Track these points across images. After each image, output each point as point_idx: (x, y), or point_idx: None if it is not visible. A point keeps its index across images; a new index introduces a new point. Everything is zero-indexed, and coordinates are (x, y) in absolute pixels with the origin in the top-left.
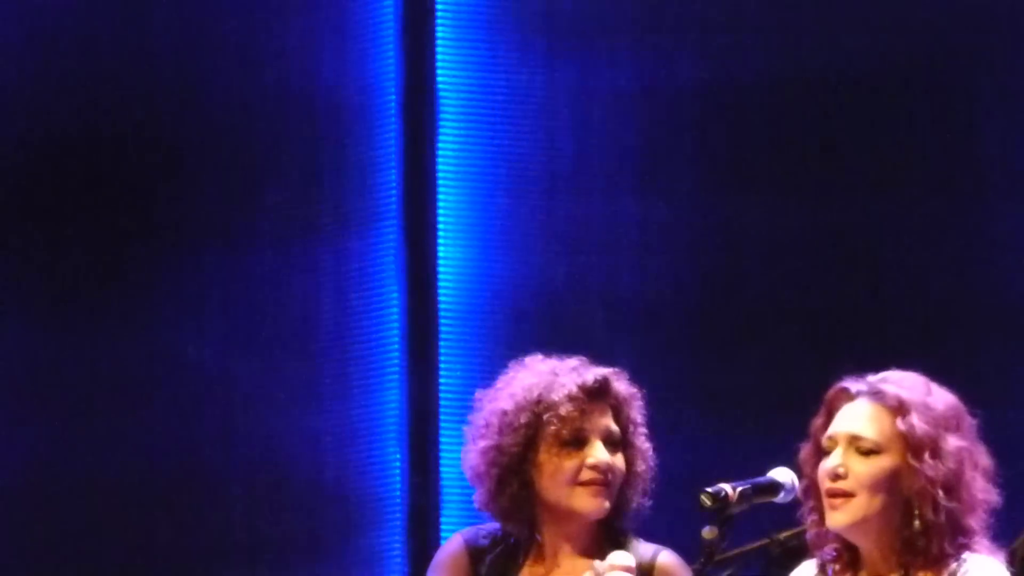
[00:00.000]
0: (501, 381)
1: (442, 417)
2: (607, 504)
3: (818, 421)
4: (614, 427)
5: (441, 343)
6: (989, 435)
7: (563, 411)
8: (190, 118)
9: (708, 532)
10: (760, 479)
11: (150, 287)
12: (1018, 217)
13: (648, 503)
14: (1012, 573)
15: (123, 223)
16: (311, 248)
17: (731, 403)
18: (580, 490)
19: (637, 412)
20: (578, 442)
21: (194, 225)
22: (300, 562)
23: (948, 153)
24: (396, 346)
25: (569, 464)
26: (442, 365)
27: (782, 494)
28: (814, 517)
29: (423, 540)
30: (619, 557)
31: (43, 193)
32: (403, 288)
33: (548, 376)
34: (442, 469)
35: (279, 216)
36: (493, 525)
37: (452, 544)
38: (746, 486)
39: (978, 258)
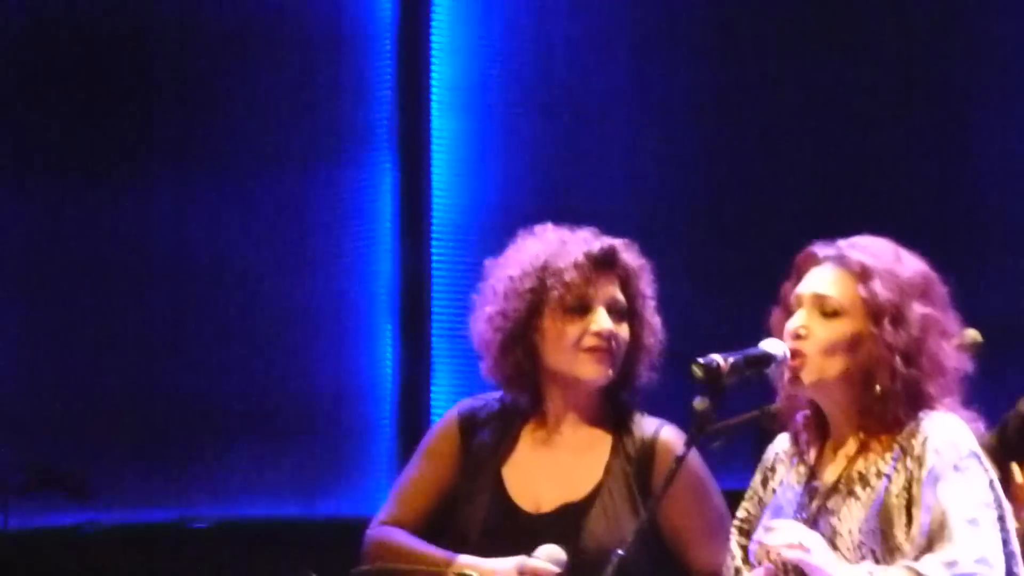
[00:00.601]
0: (511, 248)
1: (434, 289)
2: (609, 372)
3: (788, 285)
4: (620, 297)
5: (433, 213)
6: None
7: (567, 277)
8: (188, 43)
9: (699, 403)
10: (752, 350)
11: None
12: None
13: (655, 377)
14: (1002, 443)
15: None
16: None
17: (722, 280)
18: (583, 356)
19: (646, 284)
20: (582, 309)
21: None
22: (292, 433)
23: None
24: (388, 213)
25: (572, 330)
26: (434, 237)
27: (774, 365)
28: (783, 385)
29: (413, 412)
30: (546, 551)
31: (38, 76)
32: (395, 160)
33: (556, 244)
34: (433, 341)
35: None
36: (497, 394)
37: (445, 419)
38: (738, 357)
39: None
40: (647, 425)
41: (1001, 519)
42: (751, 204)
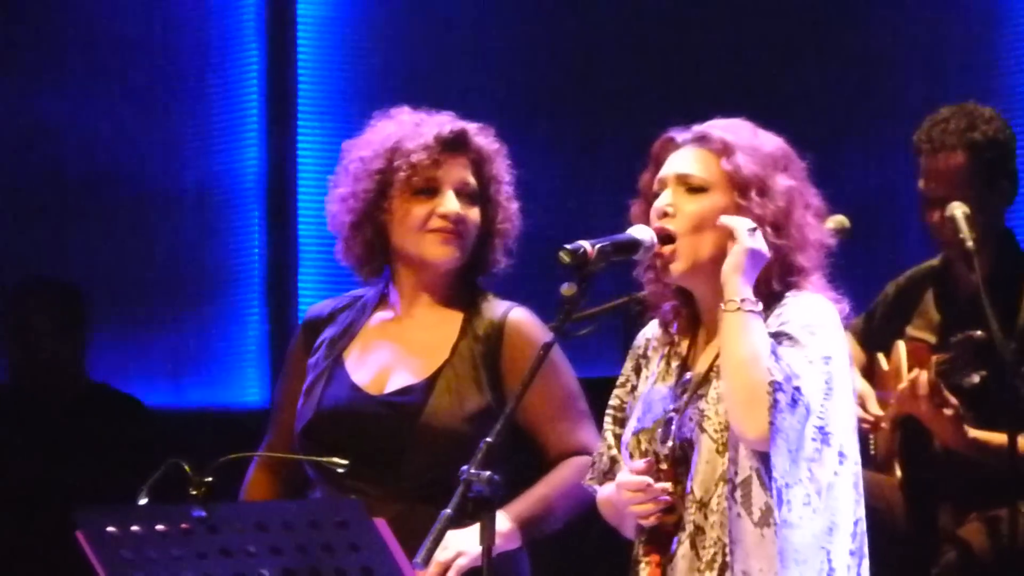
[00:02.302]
0: (366, 130)
1: (300, 174)
2: (457, 254)
3: (646, 176)
4: (471, 180)
5: (299, 97)
6: None
7: (415, 159)
8: None
9: (567, 289)
10: (619, 236)
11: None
12: None
13: (509, 262)
14: (868, 329)
15: None
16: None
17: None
18: (428, 237)
19: (501, 169)
20: (430, 191)
21: None
22: (160, 322)
23: None
24: (255, 101)
25: (418, 211)
26: (300, 121)
27: (642, 251)
28: (650, 275)
29: (282, 300)
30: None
31: None
32: (262, 44)
33: (409, 126)
34: (300, 227)
35: None
36: (357, 291)
37: (297, 331)
38: (605, 243)
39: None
40: (497, 306)
41: (827, 394)
42: (614, 86)
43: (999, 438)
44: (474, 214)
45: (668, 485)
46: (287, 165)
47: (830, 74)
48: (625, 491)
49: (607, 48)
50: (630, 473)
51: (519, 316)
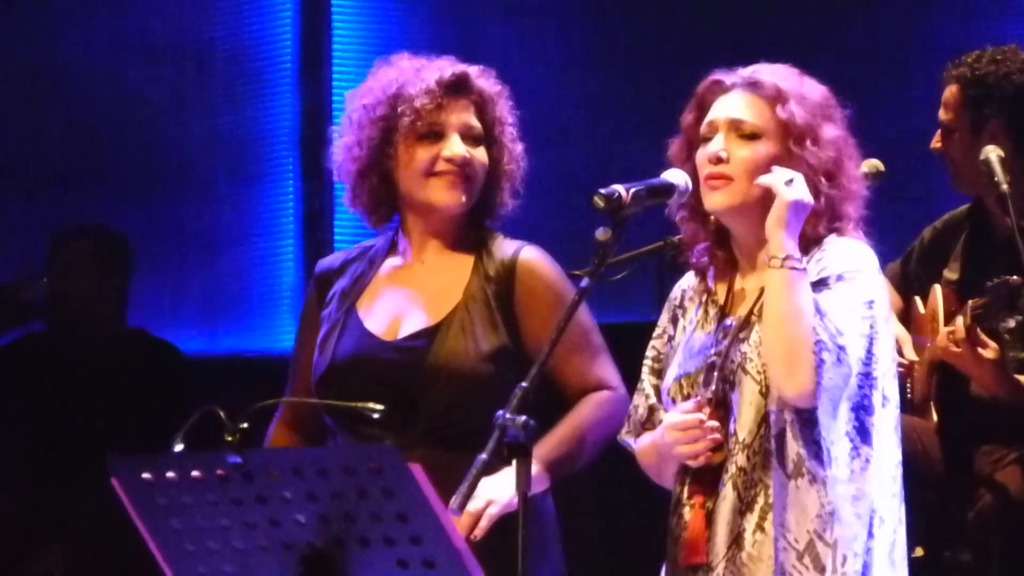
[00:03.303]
0: (368, 78)
1: (334, 122)
2: (463, 197)
3: (688, 116)
4: (475, 123)
5: (334, 45)
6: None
7: (418, 103)
8: None
9: (602, 234)
10: (654, 180)
11: None
12: None
13: (516, 203)
14: (904, 274)
15: None
16: None
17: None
18: (435, 181)
19: (504, 111)
20: (434, 135)
21: None
22: (197, 265)
23: None
24: (289, 50)
25: (423, 156)
26: (335, 69)
27: (676, 195)
28: (684, 214)
29: (316, 245)
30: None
31: None
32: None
33: (410, 72)
34: (334, 174)
35: None
36: (367, 242)
37: (310, 286)
38: (640, 187)
39: None
40: (508, 246)
41: (872, 339)
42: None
43: None
44: (480, 156)
45: (717, 424)
46: (322, 113)
47: (865, 22)
48: (672, 431)
49: None
50: (679, 414)
51: (530, 255)
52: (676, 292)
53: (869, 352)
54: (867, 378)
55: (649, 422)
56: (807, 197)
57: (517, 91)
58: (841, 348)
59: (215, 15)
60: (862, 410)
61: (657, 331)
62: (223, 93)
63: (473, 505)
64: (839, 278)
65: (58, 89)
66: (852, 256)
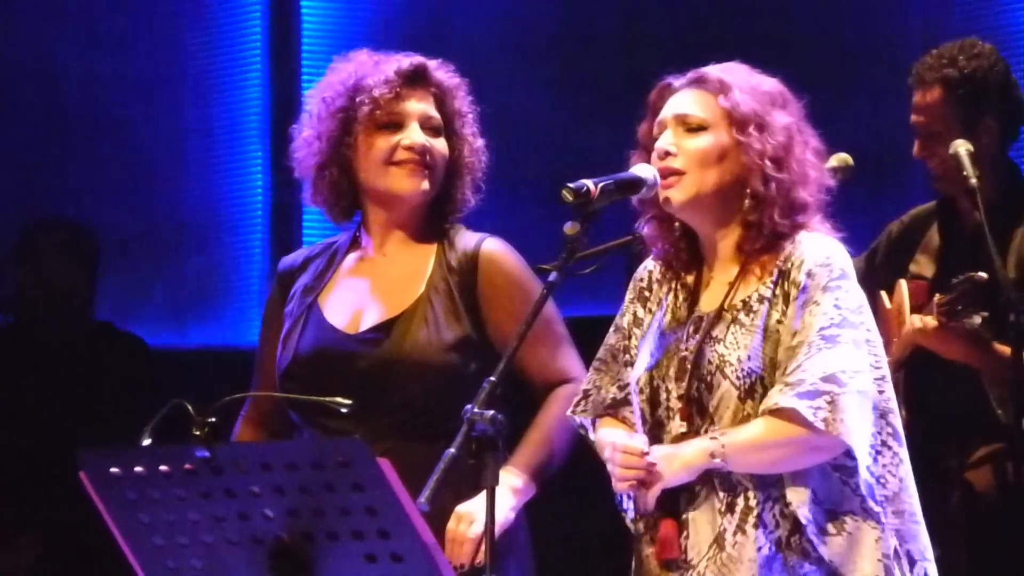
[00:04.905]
0: (327, 73)
1: (303, 115)
2: (424, 185)
3: (644, 126)
4: (434, 113)
5: (303, 39)
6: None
7: (376, 93)
8: None
9: (570, 228)
10: (622, 175)
11: None
12: None
13: (477, 198)
14: (871, 269)
15: None
16: None
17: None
18: (395, 170)
19: (463, 103)
20: (394, 125)
21: None
22: (163, 262)
23: None
24: (258, 43)
25: (383, 144)
26: (304, 62)
27: (644, 190)
28: (649, 213)
29: (285, 238)
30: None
31: None
32: None
33: (369, 64)
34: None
35: None
36: (331, 238)
37: (272, 283)
38: (608, 182)
39: None
40: (470, 238)
41: (868, 341)
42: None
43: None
44: (440, 146)
45: (656, 463)
46: (291, 105)
47: (832, 18)
48: (615, 452)
49: None
50: (628, 439)
51: (492, 246)
52: (642, 272)
53: (872, 352)
54: (883, 381)
55: (612, 407)
56: (677, 463)
57: (487, 85)
58: (861, 392)
59: (186, 9)
60: (890, 413)
61: (622, 310)
62: (192, 86)
63: (473, 530)
64: (824, 290)
65: (26, 80)
66: (829, 260)
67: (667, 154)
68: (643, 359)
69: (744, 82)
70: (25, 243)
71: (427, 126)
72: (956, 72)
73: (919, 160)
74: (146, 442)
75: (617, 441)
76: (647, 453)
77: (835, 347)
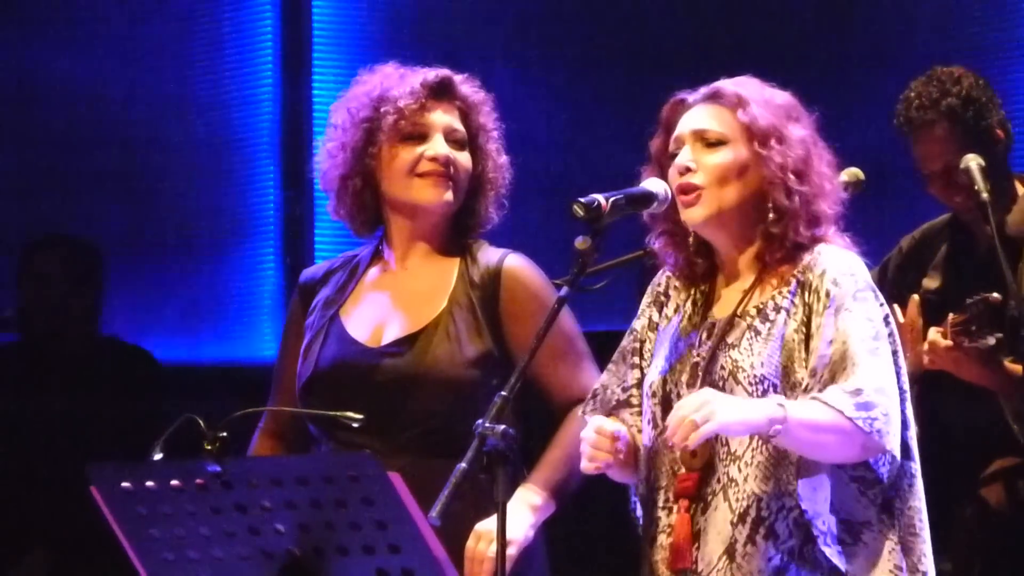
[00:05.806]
0: (352, 85)
1: (315, 126)
2: (448, 196)
3: (656, 141)
4: (459, 126)
5: (315, 53)
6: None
7: (402, 103)
8: None
9: (581, 242)
10: (633, 189)
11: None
12: None
13: (501, 213)
14: (882, 283)
15: None
16: None
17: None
18: (418, 181)
19: (488, 119)
20: (418, 136)
21: None
22: (178, 273)
23: None
24: (269, 56)
25: (407, 155)
26: (315, 73)
27: (655, 204)
28: (662, 227)
29: (297, 252)
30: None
31: None
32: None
33: (394, 76)
34: (315, 182)
35: None
36: (351, 252)
37: (293, 295)
38: (619, 196)
39: None
40: (493, 253)
41: (895, 353)
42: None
43: None
44: (464, 159)
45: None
46: (302, 118)
47: (841, 31)
48: (590, 432)
49: None
50: (609, 422)
51: (515, 262)
52: (660, 278)
53: (898, 365)
54: (902, 393)
55: (617, 409)
56: (734, 412)
57: (500, 100)
58: (885, 414)
59: (195, 20)
60: (903, 426)
61: (639, 313)
62: (203, 99)
63: (493, 548)
64: (854, 299)
65: (35, 94)
66: (853, 271)
67: (687, 170)
68: (657, 364)
69: (759, 96)
70: (26, 261)
71: (451, 139)
72: (955, 99)
73: (929, 193)
74: (157, 456)
75: (595, 424)
76: (619, 438)
77: (879, 360)
